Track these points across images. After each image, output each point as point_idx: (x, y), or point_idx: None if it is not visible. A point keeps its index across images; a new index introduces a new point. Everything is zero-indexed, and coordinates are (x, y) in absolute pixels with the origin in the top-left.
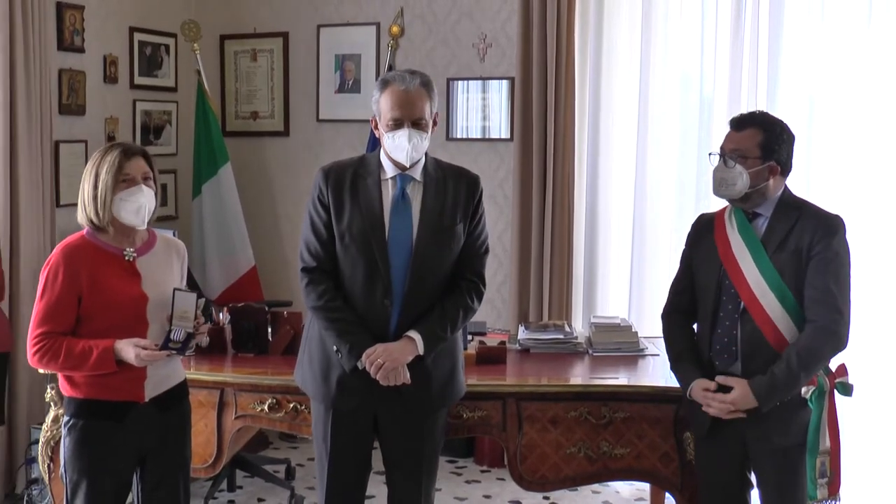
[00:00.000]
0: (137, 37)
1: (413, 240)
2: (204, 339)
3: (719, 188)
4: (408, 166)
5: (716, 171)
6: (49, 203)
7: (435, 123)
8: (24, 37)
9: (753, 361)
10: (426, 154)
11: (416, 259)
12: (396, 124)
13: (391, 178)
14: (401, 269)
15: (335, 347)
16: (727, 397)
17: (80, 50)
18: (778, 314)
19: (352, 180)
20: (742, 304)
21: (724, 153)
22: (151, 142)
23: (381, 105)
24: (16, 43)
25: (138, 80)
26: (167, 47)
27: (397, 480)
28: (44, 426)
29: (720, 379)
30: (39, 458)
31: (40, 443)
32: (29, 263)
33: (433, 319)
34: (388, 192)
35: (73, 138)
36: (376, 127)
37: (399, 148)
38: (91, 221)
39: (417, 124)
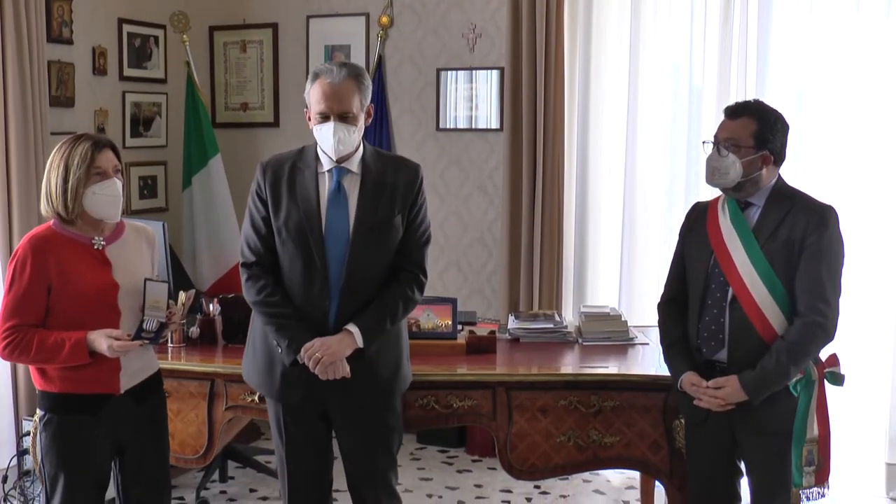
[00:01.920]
0: (126, 28)
1: (350, 233)
2: (195, 331)
3: (712, 177)
4: (335, 160)
5: (709, 159)
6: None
7: (369, 115)
8: (15, 29)
9: (740, 350)
10: (365, 145)
11: (352, 252)
12: (323, 118)
13: (328, 171)
14: (338, 262)
15: (275, 342)
16: (717, 392)
17: (69, 42)
18: (767, 303)
19: (289, 174)
20: (731, 292)
21: (718, 142)
22: (141, 134)
23: (311, 97)
24: (7, 35)
25: (127, 71)
26: (156, 39)
27: (352, 468)
28: (34, 418)
29: (713, 382)
30: (31, 449)
31: (31, 434)
32: None
33: (371, 312)
34: (325, 186)
35: (62, 130)
36: (309, 119)
37: (325, 141)
38: (59, 214)
39: (344, 118)
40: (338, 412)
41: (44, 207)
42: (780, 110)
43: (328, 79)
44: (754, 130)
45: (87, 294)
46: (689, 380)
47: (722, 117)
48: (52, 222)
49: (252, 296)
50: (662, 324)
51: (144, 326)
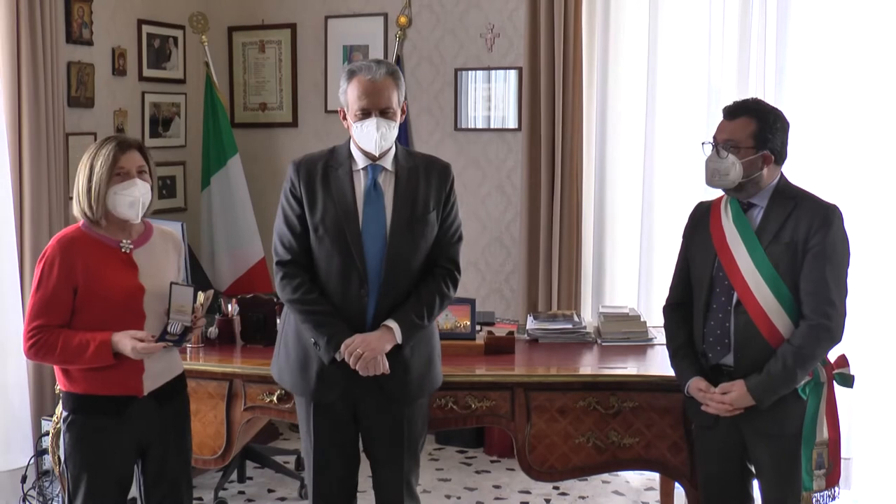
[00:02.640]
0: (146, 29)
1: (387, 229)
2: (213, 331)
3: (712, 179)
4: (377, 156)
5: (708, 161)
6: (61, 195)
7: (403, 112)
8: (30, 30)
9: (746, 354)
10: (396, 144)
11: (390, 249)
12: (364, 114)
13: (362, 168)
14: (375, 259)
15: (313, 340)
16: (725, 398)
17: (89, 43)
18: (772, 307)
19: (323, 172)
20: (735, 296)
21: (717, 143)
22: (160, 134)
23: (349, 95)
24: (22, 37)
25: (147, 72)
26: (175, 39)
27: (378, 469)
28: (53, 418)
29: (721, 388)
30: (49, 449)
31: (50, 435)
32: (35, 255)
33: (410, 308)
34: (360, 183)
35: (81, 131)
36: (344, 118)
37: (367, 137)
38: (85, 214)
39: (385, 113)
40: (369, 412)
41: (74, 208)
42: (797, 108)
43: (368, 75)
44: (753, 130)
45: (112, 296)
46: (695, 385)
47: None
48: (81, 223)
49: (288, 294)
50: (668, 328)
51: (169, 329)
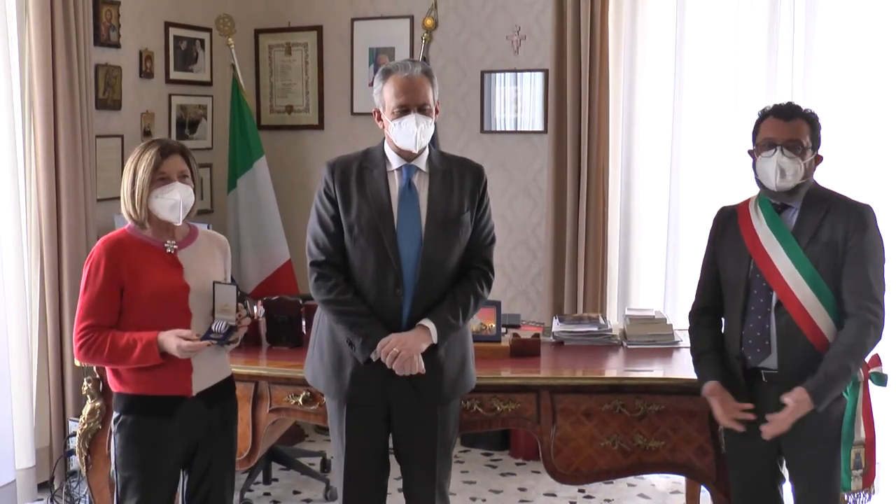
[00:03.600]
0: (172, 31)
1: (422, 229)
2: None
3: (782, 179)
4: (416, 153)
5: (777, 161)
6: (91, 197)
7: (437, 111)
8: (64, 32)
9: (790, 355)
10: (430, 146)
11: (426, 248)
12: (402, 111)
13: (396, 169)
14: (411, 258)
15: (348, 340)
16: (781, 415)
17: (116, 45)
18: (814, 306)
19: (358, 173)
20: (775, 297)
21: (780, 143)
22: (187, 136)
23: (385, 94)
24: (56, 39)
25: (174, 74)
26: (202, 42)
27: (410, 472)
28: (81, 419)
29: (787, 398)
30: (77, 450)
31: (77, 435)
32: (72, 258)
33: (445, 308)
34: (395, 183)
35: (109, 133)
36: (379, 118)
37: (407, 134)
38: (130, 216)
39: (423, 110)
40: (403, 414)
41: (122, 209)
42: (827, 111)
43: (404, 73)
44: (809, 131)
45: (158, 295)
46: (709, 390)
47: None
48: (127, 226)
49: (322, 294)
50: (693, 332)
51: (213, 328)
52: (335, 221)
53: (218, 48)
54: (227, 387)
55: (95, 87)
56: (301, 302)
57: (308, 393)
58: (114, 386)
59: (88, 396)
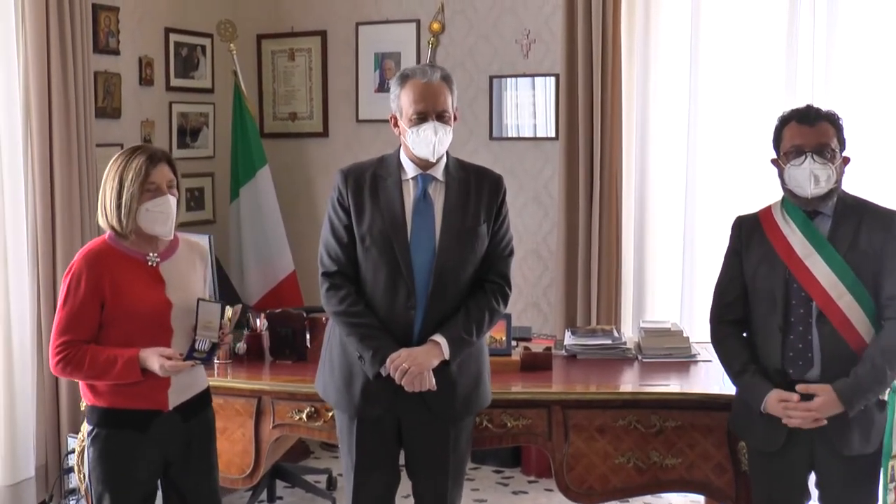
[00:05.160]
0: (173, 38)
1: (436, 241)
2: (241, 346)
3: (816, 186)
4: (433, 161)
5: (809, 168)
6: (88, 208)
7: (455, 119)
8: (59, 39)
9: (833, 367)
10: (447, 154)
11: (439, 260)
12: (420, 118)
13: (412, 178)
14: (424, 271)
15: (358, 354)
16: (811, 405)
17: (116, 52)
18: (857, 316)
19: (371, 181)
20: (815, 307)
21: (809, 149)
22: (188, 144)
23: (402, 100)
24: (52, 46)
25: (174, 81)
26: (203, 48)
27: (421, 488)
28: (79, 435)
29: (802, 388)
30: (76, 468)
31: (76, 452)
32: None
33: (458, 323)
34: (410, 193)
35: (108, 142)
36: (396, 125)
37: (425, 142)
38: (113, 228)
39: (441, 117)
40: (413, 430)
41: (100, 220)
42: (849, 114)
43: (423, 78)
44: (835, 133)
45: (140, 311)
46: (776, 398)
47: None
48: (107, 236)
49: (333, 306)
50: (727, 346)
51: (196, 346)
52: (348, 231)
53: (219, 54)
54: (203, 399)
55: (95, 95)
56: (305, 315)
57: (313, 408)
58: (87, 398)
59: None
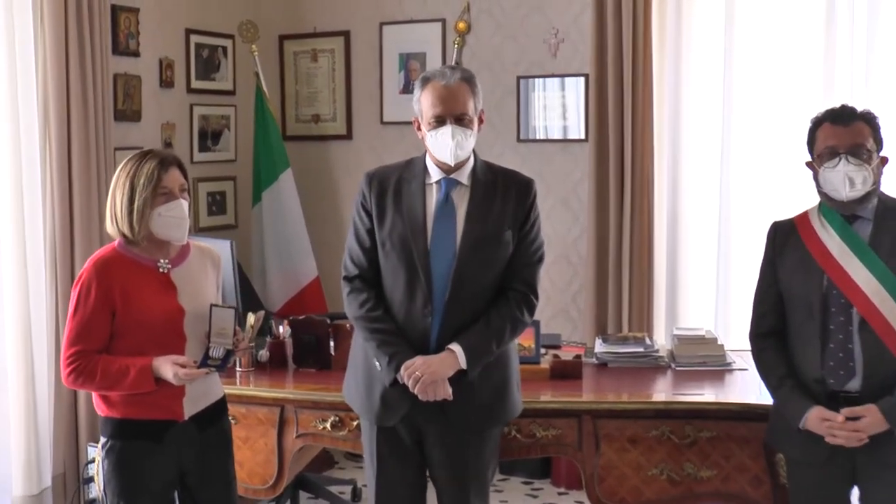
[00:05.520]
0: (194, 39)
1: (456, 247)
2: (264, 354)
3: (852, 189)
4: (452, 166)
5: (843, 170)
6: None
7: (481, 121)
8: (78, 41)
9: (875, 376)
10: (476, 157)
11: (458, 267)
12: (438, 121)
13: (436, 182)
14: (443, 278)
15: (375, 359)
16: (858, 425)
17: (136, 54)
18: None
19: (396, 185)
20: (856, 314)
21: (843, 150)
22: (209, 148)
23: (423, 103)
24: (70, 48)
25: (195, 83)
26: (224, 49)
27: (445, 500)
28: (99, 444)
29: (847, 411)
30: (95, 477)
31: (96, 462)
32: None
33: (477, 332)
34: (433, 197)
35: (128, 145)
36: (419, 128)
37: (443, 146)
38: (124, 235)
39: (461, 120)
40: (433, 439)
41: (109, 227)
42: (890, 116)
43: (442, 81)
44: (870, 133)
45: (152, 319)
46: (818, 415)
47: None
48: (116, 243)
49: (353, 310)
50: (765, 358)
51: (211, 354)
52: (370, 235)
53: (241, 55)
54: (219, 408)
55: (114, 98)
56: (329, 322)
57: (337, 417)
58: (100, 409)
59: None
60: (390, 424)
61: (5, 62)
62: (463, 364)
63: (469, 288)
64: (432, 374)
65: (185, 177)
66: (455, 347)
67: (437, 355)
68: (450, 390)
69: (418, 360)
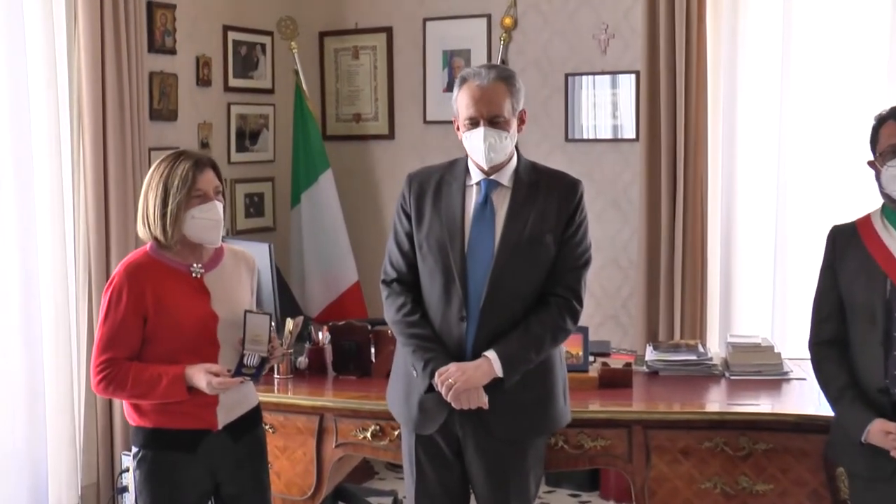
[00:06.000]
0: (231, 36)
1: (494, 251)
2: (303, 360)
3: None
4: (486, 169)
5: None
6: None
7: (522, 122)
8: (114, 39)
9: None
10: (520, 157)
11: (495, 271)
12: (472, 123)
13: (476, 183)
14: (479, 282)
15: (411, 365)
16: None
17: (172, 51)
18: None
19: (436, 186)
20: None
21: None
22: (247, 148)
23: (459, 103)
24: (106, 45)
25: (233, 81)
26: (263, 46)
27: None
28: (132, 454)
29: None
30: (129, 486)
31: (130, 470)
32: None
33: (514, 339)
34: (472, 199)
35: (163, 146)
36: (458, 128)
37: (476, 149)
38: (157, 239)
39: (495, 122)
40: (472, 450)
41: (141, 230)
42: None
43: (477, 81)
44: None
45: (184, 325)
46: (880, 428)
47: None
48: (148, 247)
49: (391, 315)
50: (824, 367)
51: (245, 362)
52: (409, 238)
53: (280, 53)
54: (254, 417)
55: (150, 97)
56: (370, 327)
57: (378, 426)
58: (132, 419)
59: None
60: (428, 433)
61: (41, 61)
62: (499, 372)
63: (507, 293)
64: (466, 381)
65: (220, 178)
66: (490, 354)
67: (471, 362)
68: (485, 398)
69: (452, 367)
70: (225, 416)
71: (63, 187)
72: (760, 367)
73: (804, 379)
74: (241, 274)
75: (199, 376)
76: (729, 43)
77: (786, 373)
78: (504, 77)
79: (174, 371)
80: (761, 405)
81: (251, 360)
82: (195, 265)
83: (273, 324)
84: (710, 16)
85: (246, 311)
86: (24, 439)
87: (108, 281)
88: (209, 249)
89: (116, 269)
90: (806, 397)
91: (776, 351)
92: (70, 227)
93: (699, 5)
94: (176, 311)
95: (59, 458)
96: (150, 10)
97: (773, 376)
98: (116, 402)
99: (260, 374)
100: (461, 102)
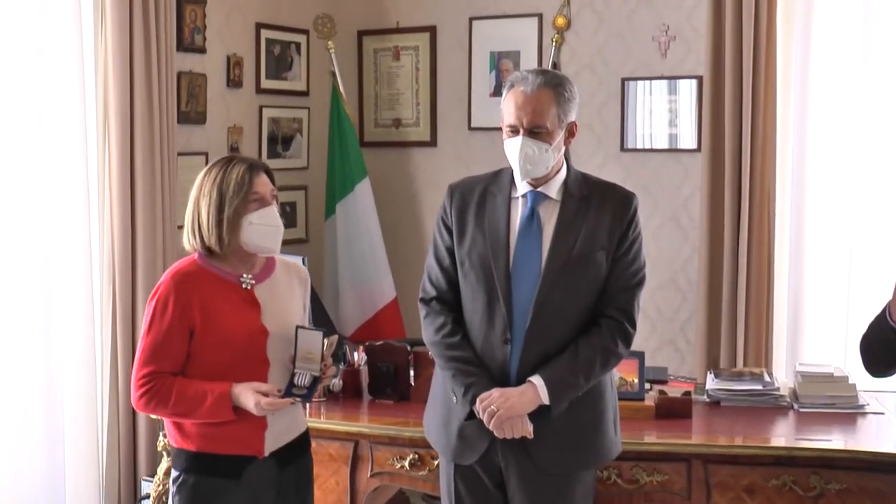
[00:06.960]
0: (265, 34)
1: (541, 268)
2: (336, 383)
3: None
4: (524, 181)
5: None
6: (170, 224)
7: (571, 134)
8: (144, 36)
9: None
10: (570, 168)
11: (542, 291)
12: (512, 130)
13: (522, 195)
14: (525, 302)
15: (452, 389)
16: None
17: (202, 50)
18: None
19: (480, 198)
20: None
21: None
22: (279, 154)
23: (504, 109)
24: (135, 43)
25: (265, 83)
26: (298, 46)
27: None
28: (155, 479)
29: None
30: None
31: (151, 497)
32: (147, 293)
33: (562, 363)
34: (518, 213)
35: (191, 150)
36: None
37: (512, 159)
38: (209, 248)
39: (535, 133)
40: (515, 482)
41: (188, 241)
42: None
43: (522, 87)
44: None
45: (232, 340)
46: None
47: None
48: (196, 255)
49: (429, 336)
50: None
51: (296, 381)
52: (450, 253)
53: (316, 53)
54: (302, 444)
55: (178, 98)
56: (409, 348)
57: (416, 455)
58: (174, 440)
59: (164, 453)
60: (468, 462)
61: (69, 58)
62: (545, 399)
63: (554, 314)
64: (509, 408)
65: (273, 183)
66: (536, 380)
67: (515, 388)
68: (530, 427)
69: (495, 393)
70: (273, 442)
71: (89, 193)
72: (833, 399)
73: (882, 413)
74: (294, 287)
75: (247, 395)
76: (801, 46)
77: (861, 406)
78: (553, 84)
79: (220, 389)
80: (833, 441)
81: (302, 379)
82: (245, 276)
83: (325, 341)
84: (781, 17)
85: (298, 327)
86: (44, 467)
87: (153, 290)
88: (261, 260)
89: (162, 278)
90: (884, 433)
91: (850, 382)
92: (96, 235)
93: (769, 5)
94: (224, 325)
95: (84, 482)
96: (179, 5)
97: (846, 409)
98: (141, 425)
99: (311, 394)
100: (506, 108)
